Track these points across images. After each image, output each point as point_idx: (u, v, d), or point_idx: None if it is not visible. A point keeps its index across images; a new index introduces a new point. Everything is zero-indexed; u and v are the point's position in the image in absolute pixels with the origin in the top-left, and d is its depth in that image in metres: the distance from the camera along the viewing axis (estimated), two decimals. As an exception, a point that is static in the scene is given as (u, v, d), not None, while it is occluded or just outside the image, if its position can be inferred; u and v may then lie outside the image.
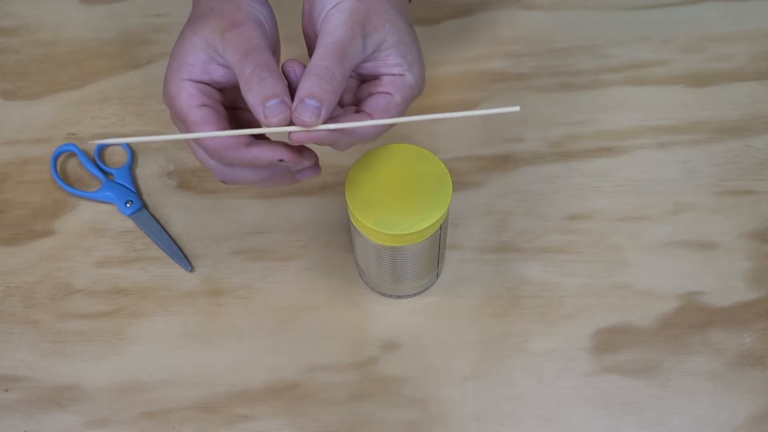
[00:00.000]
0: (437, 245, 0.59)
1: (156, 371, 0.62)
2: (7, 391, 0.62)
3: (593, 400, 0.60)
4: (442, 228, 0.57)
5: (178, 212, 0.68)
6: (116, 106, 0.73)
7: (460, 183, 0.68)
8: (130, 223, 0.68)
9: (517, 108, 0.45)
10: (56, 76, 0.75)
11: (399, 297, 0.64)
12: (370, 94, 0.50)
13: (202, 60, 0.48)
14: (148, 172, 0.70)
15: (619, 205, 0.67)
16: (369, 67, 0.50)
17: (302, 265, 0.66)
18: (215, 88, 0.50)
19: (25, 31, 0.78)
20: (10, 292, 0.66)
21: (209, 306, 0.64)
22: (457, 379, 0.61)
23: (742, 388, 0.60)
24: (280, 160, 0.47)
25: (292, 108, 0.46)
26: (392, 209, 0.54)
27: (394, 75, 0.49)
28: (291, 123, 0.46)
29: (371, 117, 0.49)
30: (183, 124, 0.49)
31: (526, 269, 0.65)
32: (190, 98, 0.48)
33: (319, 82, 0.46)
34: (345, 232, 0.67)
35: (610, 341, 0.62)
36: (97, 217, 0.68)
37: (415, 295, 0.64)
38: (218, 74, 0.49)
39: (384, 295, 0.64)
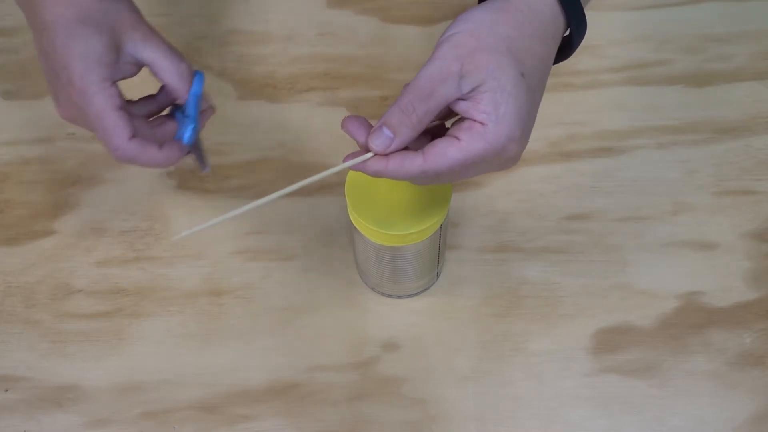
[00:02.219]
0: (437, 245, 0.59)
1: (156, 371, 0.62)
2: (7, 391, 0.62)
3: (593, 400, 0.60)
4: (442, 228, 0.57)
5: (178, 212, 0.68)
6: (116, 106, 0.73)
7: (460, 183, 0.68)
8: (130, 223, 0.68)
9: (370, 155, 0.47)
10: (56, 76, 0.75)
11: (399, 297, 0.64)
12: (450, 131, 0.48)
13: (111, 59, 0.51)
14: (147, 172, 0.70)
15: (619, 205, 0.67)
16: (463, 106, 0.47)
17: (302, 265, 0.66)
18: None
19: (25, 31, 0.78)
20: (10, 292, 0.66)
21: (209, 306, 0.64)
22: (457, 379, 0.61)
23: (742, 388, 0.60)
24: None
25: (371, 130, 0.47)
26: (392, 209, 0.54)
27: (475, 121, 0.46)
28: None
29: (423, 155, 0.47)
30: (98, 127, 0.51)
31: (526, 269, 0.65)
32: (107, 100, 0.50)
33: (399, 116, 0.47)
34: (345, 232, 0.67)
35: (610, 341, 0.62)
36: (97, 217, 0.68)
37: (415, 295, 0.64)
38: (130, 72, 0.53)
39: (384, 295, 0.64)
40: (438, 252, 0.60)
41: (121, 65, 0.52)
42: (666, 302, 0.64)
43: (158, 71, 0.53)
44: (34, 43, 0.54)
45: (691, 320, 0.63)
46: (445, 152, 0.47)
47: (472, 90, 0.46)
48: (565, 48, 0.52)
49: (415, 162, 0.47)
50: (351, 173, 0.55)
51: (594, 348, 0.62)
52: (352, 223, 0.56)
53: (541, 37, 0.48)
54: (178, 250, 0.67)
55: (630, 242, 0.66)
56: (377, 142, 0.47)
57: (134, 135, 0.51)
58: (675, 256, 0.65)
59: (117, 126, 0.50)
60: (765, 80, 0.73)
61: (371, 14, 0.78)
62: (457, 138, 0.47)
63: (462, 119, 0.48)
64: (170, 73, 0.53)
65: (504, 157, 0.48)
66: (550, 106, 0.72)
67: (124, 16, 0.52)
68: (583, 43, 0.74)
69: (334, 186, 0.68)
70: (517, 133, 0.47)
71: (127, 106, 0.53)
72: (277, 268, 0.66)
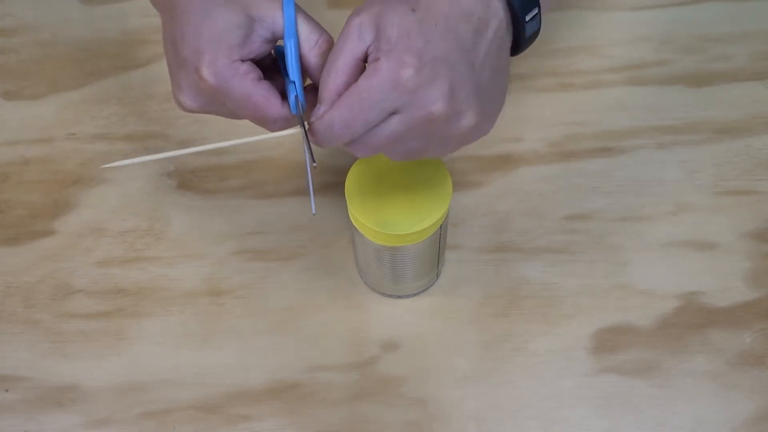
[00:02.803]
0: (437, 245, 0.59)
1: (156, 371, 0.62)
2: (7, 391, 0.62)
3: (593, 400, 0.60)
4: (442, 228, 0.57)
5: (178, 212, 0.68)
6: (116, 106, 0.73)
7: (460, 183, 0.68)
8: (130, 223, 0.68)
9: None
10: (56, 76, 0.75)
11: (399, 297, 0.64)
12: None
13: (241, 36, 0.48)
14: (148, 172, 0.70)
15: (619, 205, 0.67)
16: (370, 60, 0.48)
17: (302, 265, 0.66)
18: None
19: (25, 31, 0.78)
20: (10, 292, 0.66)
21: (209, 306, 0.64)
22: (457, 379, 0.61)
23: (742, 388, 0.60)
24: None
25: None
26: (392, 209, 0.54)
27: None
28: None
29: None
30: (244, 104, 0.48)
31: (526, 269, 0.65)
32: (247, 75, 0.48)
33: (322, 84, 0.48)
34: (345, 232, 0.67)
35: (610, 341, 0.62)
36: (97, 217, 0.68)
37: (415, 295, 0.64)
38: (260, 50, 0.49)
39: (384, 295, 0.64)
40: (438, 252, 0.60)
41: (253, 42, 0.48)
42: (666, 302, 0.64)
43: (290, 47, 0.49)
44: (162, 31, 0.51)
45: (691, 320, 0.63)
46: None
47: (374, 40, 0.47)
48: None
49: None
50: (351, 173, 0.55)
51: (594, 348, 0.62)
52: (352, 223, 0.56)
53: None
54: (178, 250, 0.67)
55: (630, 242, 0.66)
56: (316, 114, 0.47)
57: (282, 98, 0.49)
58: (675, 256, 0.65)
59: (267, 99, 0.48)
60: (765, 80, 0.73)
61: (371, 14, 0.77)
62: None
63: None
64: (303, 47, 0.49)
65: (422, 104, 0.46)
66: (550, 106, 0.72)
67: None
68: (583, 43, 0.74)
69: (334, 186, 0.68)
70: (413, 62, 0.45)
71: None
72: (277, 268, 0.66)
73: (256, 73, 0.48)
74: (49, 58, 0.76)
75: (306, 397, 0.61)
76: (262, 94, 0.48)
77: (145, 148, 0.71)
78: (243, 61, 0.48)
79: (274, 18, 0.49)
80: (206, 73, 0.47)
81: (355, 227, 0.56)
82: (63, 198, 0.69)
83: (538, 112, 0.72)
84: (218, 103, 0.50)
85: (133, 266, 0.66)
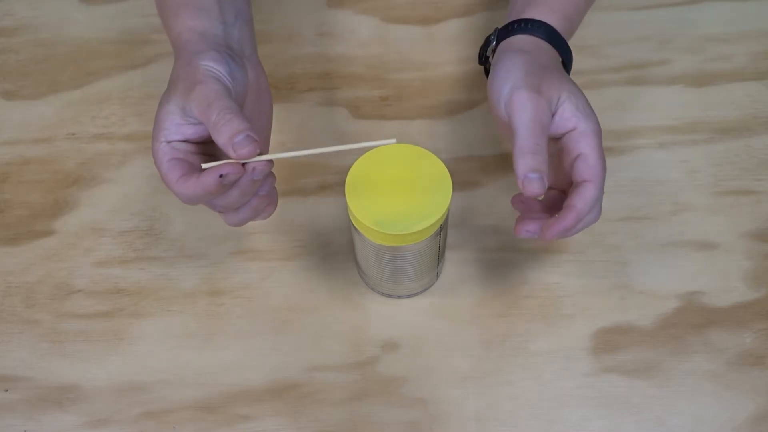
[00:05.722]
0: (437, 245, 0.59)
1: (156, 371, 0.62)
2: (7, 391, 0.62)
3: (593, 400, 0.60)
4: (442, 228, 0.57)
5: (178, 212, 0.68)
6: (116, 106, 0.73)
7: (460, 183, 0.68)
8: (130, 223, 0.68)
9: (393, 141, 0.51)
10: (56, 76, 0.75)
11: (399, 297, 0.64)
12: (574, 185, 0.54)
13: (175, 123, 0.53)
14: (147, 173, 0.70)
15: (619, 205, 0.67)
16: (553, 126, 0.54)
17: (302, 265, 0.66)
18: (192, 142, 0.54)
19: (25, 31, 0.78)
20: (10, 292, 0.66)
21: (209, 306, 0.64)
22: (457, 379, 0.61)
23: (742, 388, 0.60)
24: (220, 175, 0.51)
25: (520, 184, 0.52)
26: (392, 209, 0.54)
27: (570, 132, 0.54)
28: (260, 153, 0.51)
29: (575, 208, 0.53)
30: (161, 177, 0.54)
31: (526, 269, 0.65)
32: (163, 155, 0.53)
33: (534, 157, 0.51)
34: (345, 232, 0.67)
35: (610, 341, 0.62)
36: (97, 217, 0.68)
37: (415, 295, 0.64)
38: (190, 132, 0.54)
39: (384, 295, 0.64)
40: (438, 252, 0.60)
41: (183, 126, 0.53)
42: (666, 302, 0.64)
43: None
44: None
45: (691, 320, 0.63)
46: (591, 195, 0.53)
47: (555, 107, 0.54)
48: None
49: (581, 202, 0.53)
50: (351, 173, 0.55)
51: (594, 348, 0.62)
52: (352, 223, 0.56)
53: (550, 57, 0.58)
54: (178, 250, 0.67)
55: (630, 242, 0.66)
56: (535, 186, 0.51)
57: (184, 174, 0.53)
58: (675, 256, 0.65)
59: (169, 176, 0.53)
60: (765, 80, 0.73)
61: (371, 14, 0.78)
62: (587, 181, 0.53)
63: (567, 161, 0.55)
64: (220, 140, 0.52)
65: (599, 133, 0.55)
66: (550, 106, 0.72)
67: (189, 74, 0.53)
68: (583, 43, 0.74)
69: (334, 186, 0.68)
70: (598, 124, 0.55)
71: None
72: (277, 268, 0.66)
73: (173, 153, 0.53)
74: (49, 58, 0.76)
75: (306, 397, 0.61)
76: (164, 172, 0.53)
77: (145, 148, 0.71)
78: (170, 142, 0.53)
79: (192, 108, 0.53)
80: (152, 149, 0.54)
81: (355, 227, 0.56)
82: (63, 198, 0.69)
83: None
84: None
85: (133, 266, 0.66)
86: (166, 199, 0.69)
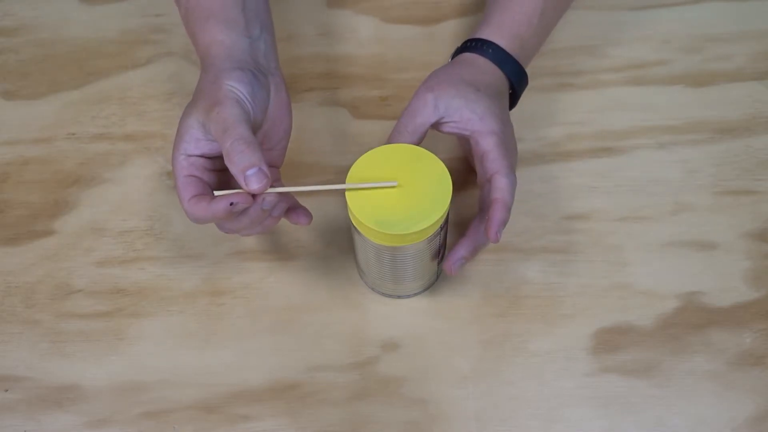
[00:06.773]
0: (437, 245, 0.59)
1: (156, 371, 0.62)
2: (7, 391, 0.62)
3: (593, 400, 0.60)
4: (442, 228, 0.57)
5: (178, 212, 0.68)
6: (116, 106, 0.73)
7: (460, 183, 0.68)
8: (130, 223, 0.68)
9: (394, 183, 0.54)
10: (56, 76, 0.75)
11: (399, 297, 0.64)
12: (487, 182, 0.58)
13: (195, 137, 0.55)
14: (147, 172, 0.70)
15: (619, 205, 0.67)
16: (448, 128, 0.60)
17: (302, 265, 0.66)
18: (209, 158, 0.56)
19: (25, 31, 0.78)
20: (10, 292, 0.66)
21: (209, 306, 0.64)
22: (457, 379, 0.61)
23: (742, 388, 0.60)
24: (231, 203, 0.52)
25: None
26: (392, 209, 0.54)
27: (465, 136, 0.59)
28: (271, 186, 0.53)
29: (498, 200, 0.57)
30: (175, 187, 0.56)
31: (526, 269, 0.65)
32: (180, 169, 0.55)
33: (395, 134, 0.60)
34: (345, 232, 0.67)
35: (610, 341, 0.62)
36: (97, 217, 0.68)
37: (415, 295, 0.64)
38: (207, 148, 0.56)
39: (384, 295, 0.64)
40: (438, 252, 0.60)
41: (201, 141, 0.55)
42: (666, 302, 0.64)
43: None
44: None
45: (691, 320, 0.63)
46: (502, 209, 0.57)
47: (446, 110, 0.59)
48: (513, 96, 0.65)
49: (495, 217, 0.57)
50: (351, 172, 0.55)
51: (594, 348, 0.62)
52: (352, 223, 0.56)
53: (485, 72, 0.62)
54: (178, 250, 0.67)
55: (630, 242, 0.66)
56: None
57: (196, 195, 0.55)
58: (675, 256, 0.65)
59: (180, 189, 0.55)
60: (765, 80, 0.73)
61: (371, 14, 0.78)
62: (496, 198, 0.57)
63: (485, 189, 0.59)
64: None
65: (510, 141, 0.60)
66: (549, 106, 0.72)
67: (212, 91, 0.55)
68: (583, 43, 0.74)
69: (334, 186, 0.68)
70: (498, 127, 0.59)
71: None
72: (277, 268, 0.66)
73: (190, 169, 0.55)
74: (49, 58, 0.76)
75: (306, 397, 0.61)
76: (179, 186, 0.55)
77: (145, 148, 0.71)
78: (189, 156, 0.55)
79: (210, 127, 0.54)
80: (172, 156, 0.56)
81: (355, 227, 0.56)
82: (63, 198, 0.69)
83: (537, 112, 0.72)
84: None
85: (133, 266, 0.66)
86: (166, 199, 0.69)
